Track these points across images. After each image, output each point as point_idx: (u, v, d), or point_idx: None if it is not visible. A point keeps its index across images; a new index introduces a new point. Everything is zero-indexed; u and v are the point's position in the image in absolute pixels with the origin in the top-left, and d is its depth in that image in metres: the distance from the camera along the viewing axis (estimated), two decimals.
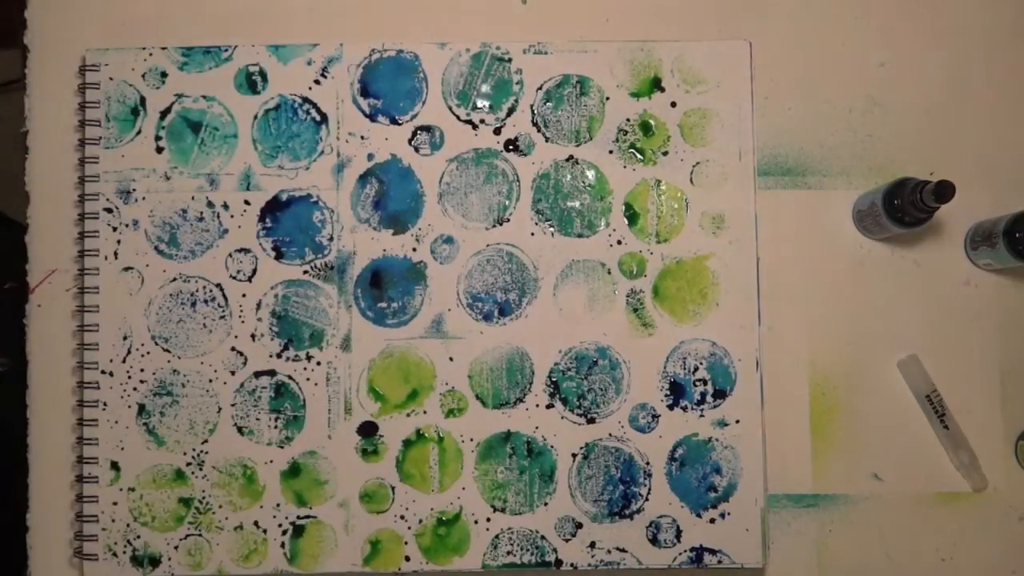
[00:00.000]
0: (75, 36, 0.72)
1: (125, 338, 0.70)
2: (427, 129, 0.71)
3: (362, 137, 0.71)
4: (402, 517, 0.69)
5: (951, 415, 0.71)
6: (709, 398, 0.70)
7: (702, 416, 0.70)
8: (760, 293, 0.70)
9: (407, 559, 0.69)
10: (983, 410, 0.72)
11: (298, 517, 0.69)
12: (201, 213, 0.70)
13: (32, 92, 0.73)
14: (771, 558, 0.71)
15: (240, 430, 0.70)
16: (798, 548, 0.71)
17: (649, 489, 0.69)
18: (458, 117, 0.71)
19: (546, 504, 0.69)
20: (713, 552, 0.69)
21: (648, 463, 0.69)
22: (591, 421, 0.70)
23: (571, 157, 0.71)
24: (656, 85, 0.71)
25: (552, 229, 0.71)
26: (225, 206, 0.70)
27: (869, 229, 0.71)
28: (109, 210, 0.70)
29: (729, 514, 0.69)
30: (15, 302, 0.71)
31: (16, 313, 0.71)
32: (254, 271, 0.70)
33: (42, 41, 0.73)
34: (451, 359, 0.70)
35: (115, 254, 0.70)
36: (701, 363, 0.70)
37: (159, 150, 0.70)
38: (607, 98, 0.71)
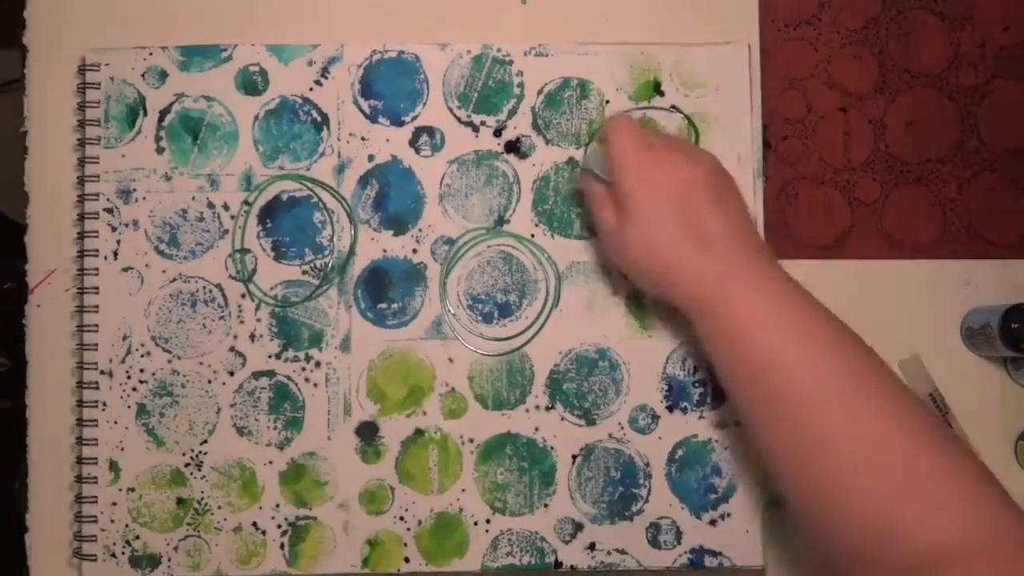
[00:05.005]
0: (75, 36, 0.72)
1: (125, 338, 0.70)
2: (428, 131, 0.71)
3: (363, 138, 0.71)
4: (401, 518, 0.69)
5: (952, 415, 0.71)
6: (709, 399, 0.70)
7: (702, 418, 0.70)
8: None
9: (407, 560, 0.69)
10: (983, 410, 0.72)
11: (297, 518, 0.69)
12: (201, 213, 0.70)
13: (32, 92, 0.72)
14: (771, 559, 0.71)
15: (239, 431, 0.69)
16: (798, 549, 0.71)
17: (649, 490, 0.69)
18: (459, 119, 0.71)
19: (546, 505, 0.69)
20: (713, 553, 0.69)
21: (648, 464, 0.70)
22: (591, 422, 0.70)
23: (571, 159, 0.71)
24: (656, 89, 0.71)
25: (552, 231, 0.71)
26: (225, 206, 0.70)
27: (979, 347, 0.71)
28: (109, 210, 0.70)
29: (729, 515, 0.69)
30: (15, 302, 0.71)
31: (16, 313, 0.71)
32: (254, 271, 0.70)
33: (42, 41, 0.73)
34: (451, 360, 0.70)
35: (115, 254, 0.70)
36: (701, 364, 0.70)
37: (159, 150, 0.70)
38: (607, 101, 0.71)
